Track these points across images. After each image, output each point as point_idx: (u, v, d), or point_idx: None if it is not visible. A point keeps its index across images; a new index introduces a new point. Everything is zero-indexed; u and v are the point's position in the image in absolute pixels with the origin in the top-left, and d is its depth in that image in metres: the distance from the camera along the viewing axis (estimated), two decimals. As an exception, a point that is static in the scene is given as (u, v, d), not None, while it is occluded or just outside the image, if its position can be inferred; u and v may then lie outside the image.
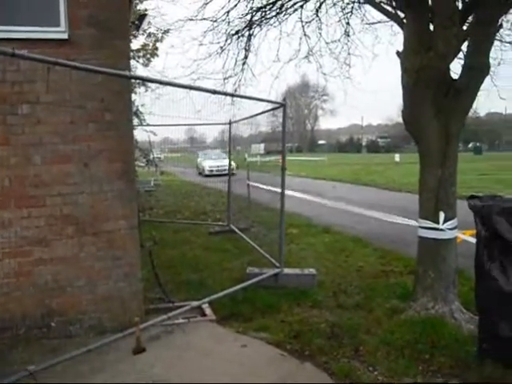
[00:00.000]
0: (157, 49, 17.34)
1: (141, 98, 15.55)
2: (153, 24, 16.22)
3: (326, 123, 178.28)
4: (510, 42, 7.18)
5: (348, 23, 8.33)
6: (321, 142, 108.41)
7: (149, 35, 17.03)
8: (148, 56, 17.51)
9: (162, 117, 8.78)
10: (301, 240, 10.75)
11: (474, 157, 56.83)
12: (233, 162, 26.05)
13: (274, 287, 6.92)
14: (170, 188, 22.52)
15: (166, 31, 16.01)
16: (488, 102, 8.68)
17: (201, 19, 8.27)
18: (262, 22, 8.46)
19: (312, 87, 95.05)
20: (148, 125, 13.54)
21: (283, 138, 7.73)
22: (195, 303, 5.96)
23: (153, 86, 14.24)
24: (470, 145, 77.52)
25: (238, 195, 14.20)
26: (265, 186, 11.49)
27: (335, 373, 4.48)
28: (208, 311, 6.06)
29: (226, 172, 16.43)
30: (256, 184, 13.22)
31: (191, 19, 8.33)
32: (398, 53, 5.91)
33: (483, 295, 4.42)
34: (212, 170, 25.49)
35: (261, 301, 6.35)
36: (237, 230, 11.26)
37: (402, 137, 74.81)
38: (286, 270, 7.28)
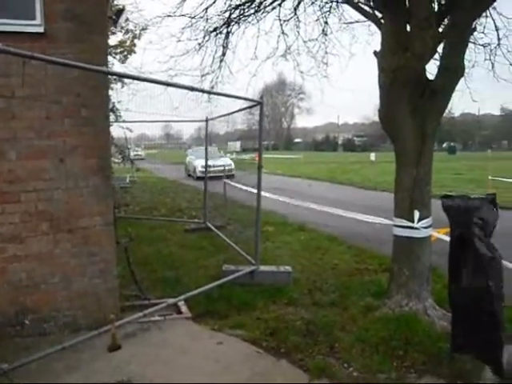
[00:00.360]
0: (134, 45, 17.17)
1: (117, 94, 15.39)
2: (130, 20, 16.05)
3: (302, 121, 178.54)
4: (483, 45, 7.29)
5: (326, 22, 8.37)
6: (297, 140, 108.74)
7: (126, 32, 16.84)
8: (125, 53, 17.31)
9: (139, 113, 8.72)
10: (276, 238, 10.78)
11: (449, 156, 57.78)
12: (230, 161, 24.34)
13: (249, 284, 6.94)
14: (145, 185, 22.37)
15: (144, 28, 15.86)
16: (462, 102, 8.82)
17: (179, 15, 8.24)
18: (240, 19, 8.46)
19: (289, 85, 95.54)
20: (124, 121, 13.40)
21: (260, 136, 7.74)
22: (171, 301, 5.94)
23: (129, 81, 14.08)
24: (445, 144, 78.76)
25: (215, 192, 14.18)
26: (241, 185, 11.51)
27: (311, 369, 4.53)
28: (184, 309, 6.05)
29: (226, 174, 15.68)
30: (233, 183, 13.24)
31: (169, 15, 8.30)
32: (375, 52, 5.98)
33: (456, 293, 4.49)
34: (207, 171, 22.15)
35: (237, 298, 6.37)
36: (213, 228, 11.24)
37: (378, 136, 75.59)
38: (262, 268, 7.31)
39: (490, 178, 18.07)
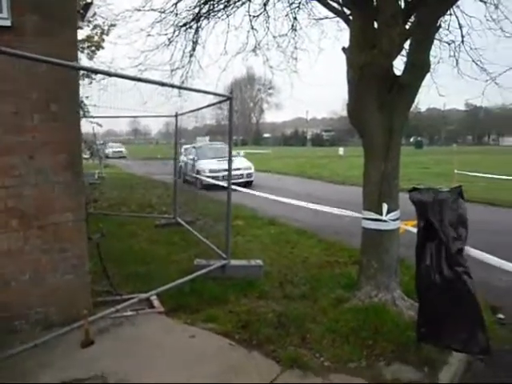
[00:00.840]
0: (103, 40, 16.86)
1: (85, 89, 15.14)
2: (98, 14, 15.79)
3: (271, 116, 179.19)
4: (447, 42, 7.50)
5: (295, 18, 8.49)
6: (266, 135, 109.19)
7: (94, 27, 16.54)
8: (93, 48, 17.00)
9: (109, 108, 8.66)
10: (247, 232, 10.86)
11: (416, 151, 58.99)
12: (248, 163, 20.04)
13: (221, 278, 6.98)
14: (114, 181, 22.14)
15: (113, 25, 15.62)
16: (428, 98, 9.04)
17: (148, 10, 8.20)
18: (209, 14, 8.49)
19: (258, 80, 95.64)
20: (93, 117, 13.25)
21: (230, 131, 7.77)
22: (143, 295, 5.94)
23: (98, 77, 13.85)
24: (412, 139, 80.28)
25: (184, 187, 14.11)
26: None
27: (283, 360, 4.60)
28: (156, 303, 6.06)
29: (244, 180, 12.69)
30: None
31: (139, 10, 8.25)
32: (343, 49, 6.08)
33: (422, 283, 4.62)
34: (217, 177, 15.67)
35: (208, 292, 6.40)
36: (183, 223, 11.24)
37: (347, 130, 76.63)
38: (233, 262, 7.35)
39: (455, 171, 18.49)
